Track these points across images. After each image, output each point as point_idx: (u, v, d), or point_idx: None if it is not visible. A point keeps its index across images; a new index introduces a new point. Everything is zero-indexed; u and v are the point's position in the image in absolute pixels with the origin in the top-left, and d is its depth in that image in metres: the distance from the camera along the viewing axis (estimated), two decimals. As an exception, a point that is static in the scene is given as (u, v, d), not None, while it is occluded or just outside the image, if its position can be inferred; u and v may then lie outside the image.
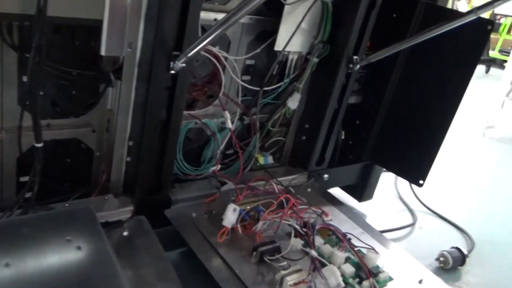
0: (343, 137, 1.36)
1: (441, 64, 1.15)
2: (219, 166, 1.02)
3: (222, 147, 1.05)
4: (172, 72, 0.80)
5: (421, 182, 1.24)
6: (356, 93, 1.31)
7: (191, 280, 0.87)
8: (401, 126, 1.28)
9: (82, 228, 0.72)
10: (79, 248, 0.69)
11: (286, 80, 1.12)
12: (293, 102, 1.14)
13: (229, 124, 1.01)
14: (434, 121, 1.19)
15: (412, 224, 1.43)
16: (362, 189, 1.43)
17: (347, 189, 1.48)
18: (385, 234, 1.30)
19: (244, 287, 0.80)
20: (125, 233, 0.85)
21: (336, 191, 1.48)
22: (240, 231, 0.91)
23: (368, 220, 1.42)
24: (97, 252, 0.69)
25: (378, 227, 1.34)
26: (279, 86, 1.12)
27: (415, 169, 1.25)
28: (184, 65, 0.79)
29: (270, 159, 1.19)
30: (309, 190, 1.18)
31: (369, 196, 1.48)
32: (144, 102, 0.83)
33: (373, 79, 1.29)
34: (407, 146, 1.26)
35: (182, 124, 1.01)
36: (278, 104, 1.17)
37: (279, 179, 1.13)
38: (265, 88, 1.10)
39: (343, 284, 0.80)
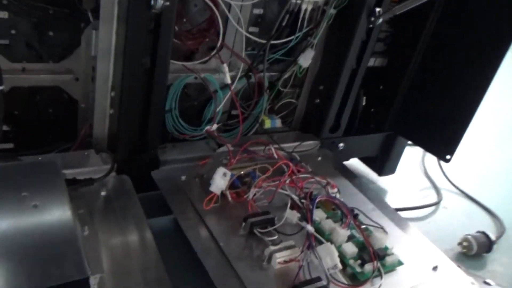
0: (364, 103, 1.22)
1: (477, 26, 1.00)
2: (215, 126, 0.91)
3: (221, 105, 0.94)
4: (154, 11, 0.69)
5: (448, 157, 1.11)
6: (380, 54, 1.17)
7: (173, 251, 0.78)
8: (429, 94, 1.14)
9: (43, 184, 0.64)
10: (35, 206, 0.61)
11: (298, 34, 0.99)
12: (305, 60, 1.01)
13: (228, 79, 0.90)
14: (467, 90, 1.04)
15: (436, 204, 1.29)
16: (383, 162, 1.31)
17: (367, 161, 1.35)
18: (404, 213, 1.18)
19: (226, 261, 0.71)
20: (103, 193, 0.77)
21: (356, 164, 1.36)
22: (231, 198, 0.81)
23: (388, 197, 1.30)
24: (56, 213, 0.61)
25: (397, 204, 1.22)
26: (290, 40, 0.99)
27: (442, 142, 1.11)
28: (168, 3, 0.68)
29: (278, 123, 1.08)
30: (319, 159, 1.06)
31: (391, 170, 1.35)
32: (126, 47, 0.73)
33: (400, 39, 1.14)
34: (434, 117, 1.13)
35: (179, 78, 0.91)
36: (289, 61, 1.05)
37: (286, 145, 1.02)
38: (274, 42, 0.98)
39: (340, 266, 0.69)
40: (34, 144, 0.83)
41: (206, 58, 0.89)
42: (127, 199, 0.78)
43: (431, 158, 1.50)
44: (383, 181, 1.35)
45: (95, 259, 0.66)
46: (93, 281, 0.59)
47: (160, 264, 0.69)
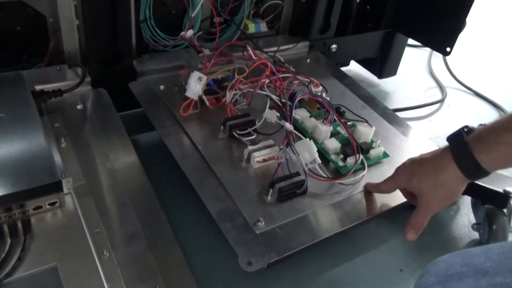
0: (358, 0, 1.14)
1: None
2: (191, 31, 0.87)
3: (197, 10, 0.89)
4: None
5: (448, 49, 1.05)
6: None
7: (157, 162, 0.78)
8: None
9: (8, 96, 0.64)
10: (1, 117, 0.61)
11: None
12: (286, -48, 0.94)
13: (199, -22, 0.84)
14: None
15: (439, 102, 1.24)
16: (382, 63, 1.25)
17: (366, 65, 1.30)
18: (405, 113, 1.15)
19: (205, 164, 0.70)
20: (79, 106, 0.77)
21: (356, 70, 1.31)
22: (209, 104, 0.79)
23: (390, 98, 1.26)
24: (23, 122, 0.61)
25: (399, 105, 1.19)
26: None
27: (441, 35, 1.05)
28: None
29: (263, 27, 1.03)
30: (308, 61, 1.02)
31: (392, 72, 1.29)
32: None
33: None
34: (432, 10, 1.06)
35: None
36: (270, -43, 0.97)
37: (272, 48, 0.98)
38: None
39: (319, 160, 0.68)
40: (7, 64, 0.81)
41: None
42: (105, 111, 0.77)
43: (437, 60, 1.43)
44: (385, 84, 1.30)
45: (73, 169, 0.66)
46: (67, 185, 0.60)
47: (141, 171, 0.69)
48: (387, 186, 0.69)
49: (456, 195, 0.63)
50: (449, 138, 0.62)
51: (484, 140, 0.57)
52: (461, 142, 0.59)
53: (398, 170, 0.67)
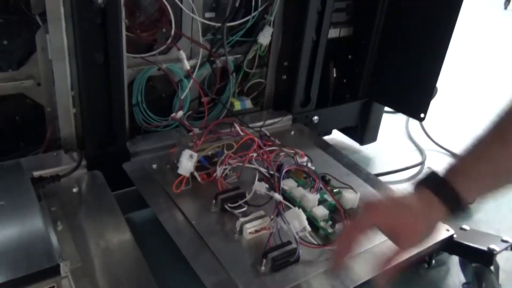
0: (335, 75, 1.23)
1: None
2: (181, 112, 0.93)
3: (186, 92, 0.96)
4: (98, 5, 0.71)
5: (422, 115, 1.12)
6: (345, 24, 1.19)
7: (152, 241, 0.80)
8: (395, 58, 1.16)
9: (8, 184, 0.67)
10: (1, 205, 0.63)
11: (255, 13, 1.00)
12: (264, 37, 1.03)
13: (186, 65, 0.91)
14: (430, 48, 1.05)
15: (420, 164, 1.30)
16: (363, 130, 1.32)
17: (349, 133, 1.37)
18: (388, 177, 1.20)
19: (199, 238, 0.72)
20: (75, 189, 0.79)
21: (339, 138, 1.38)
22: (200, 179, 0.83)
23: (373, 164, 1.31)
24: (22, 209, 0.64)
25: (382, 169, 1.24)
26: (247, 21, 1.01)
27: (414, 102, 1.13)
28: (109, -4, 0.70)
29: (248, 104, 1.09)
30: (292, 133, 1.08)
31: (373, 138, 1.36)
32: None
33: (361, 7, 1.15)
34: (403, 79, 1.14)
35: (140, 71, 0.93)
36: (251, 41, 1.06)
37: (258, 123, 1.04)
38: (230, 24, 0.99)
39: (308, 228, 0.71)
40: (6, 152, 0.85)
41: (162, 48, 0.90)
42: (100, 192, 0.80)
43: (414, 123, 1.51)
44: (367, 150, 1.36)
45: (70, 251, 0.68)
46: (64, 268, 0.61)
47: (135, 248, 0.70)
48: (364, 224, 0.63)
49: (435, 230, 0.62)
50: (423, 181, 0.61)
51: (464, 175, 0.58)
52: (439, 180, 0.59)
53: (377, 209, 0.64)
